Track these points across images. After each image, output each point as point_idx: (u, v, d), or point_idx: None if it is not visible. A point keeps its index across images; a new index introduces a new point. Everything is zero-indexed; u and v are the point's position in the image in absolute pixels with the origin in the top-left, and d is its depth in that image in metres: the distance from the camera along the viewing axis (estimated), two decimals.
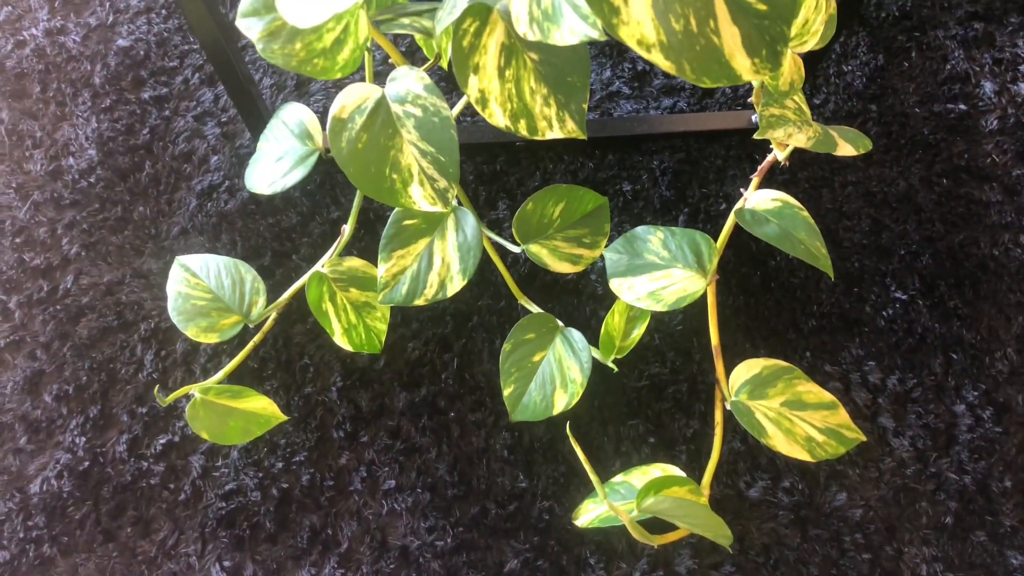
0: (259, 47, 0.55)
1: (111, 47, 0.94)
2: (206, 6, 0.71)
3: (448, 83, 0.95)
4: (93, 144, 0.90)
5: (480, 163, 0.92)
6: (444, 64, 0.69)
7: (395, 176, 0.59)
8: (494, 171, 0.91)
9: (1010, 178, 0.93)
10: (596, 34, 0.42)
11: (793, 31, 0.58)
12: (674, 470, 0.69)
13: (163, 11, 0.95)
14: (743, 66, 0.42)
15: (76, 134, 0.91)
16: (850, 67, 0.97)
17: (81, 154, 0.90)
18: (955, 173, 0.93)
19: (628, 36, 0.40)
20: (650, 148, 0.93)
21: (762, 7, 0.40)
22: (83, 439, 0.78)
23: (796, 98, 0.66)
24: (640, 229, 0.72)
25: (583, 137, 0.54)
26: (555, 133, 0.54)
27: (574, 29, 0.43)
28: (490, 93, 0.52)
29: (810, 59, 0.85)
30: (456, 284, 0.72)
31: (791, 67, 0.59)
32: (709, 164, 0.92)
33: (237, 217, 0.88)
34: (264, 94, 0.93)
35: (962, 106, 0.96)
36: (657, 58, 0.40)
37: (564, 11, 0.43)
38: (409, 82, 0.58)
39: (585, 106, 0.53)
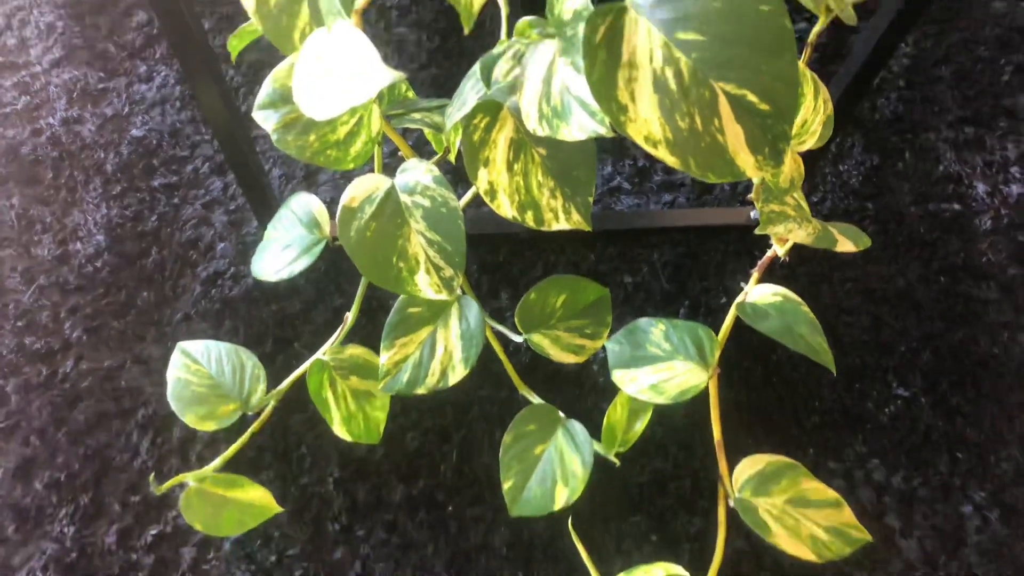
0: (274, 138, 0.57)
1: (125, 136, 0.96)
2: (221, 97, 0.73)
3: (455, 175, 0.97)
4: (102, 230, 0.91)
5: (483, 253, 0.93)
6: (452, 158, 0.71)
7: (402, 264, 0.60)
8: (497, 261, 0.92)
9: (1006, 277, 0.94)
10: (604, 130, 0.43)
11: (793, 130, 0.60)
12: (678, 570, 0.67)
13: (177, 102, 0.98)
14: (747, 163, 0.43)
15: (85, 220, 0.92)
16: (846, 166, 0.99)
17: (89, 239, 0.91)
18: (952, 271, 0.94)
19: (636, 133, 0.41)
20: (651, 241, 0.94)
21: (765, 107, 0.42)
22: (72, 528, 0.77)
23: (795, 195, 0.68)
24: (642, 321, 0.72)
25: (588, 229, 0.55)
26: (561, 225, 0.55)
27: (583, 125, 0.44)
28: (499, 185, 0.53)
29: (808, 158, 0.87)
30: (458, 373, 0.72)
31: (791, 165, 0.61)
32: (709, 258, 0.93)
33: (241, 304, 0.88)
34: (273, 183, 0.95)
35: (956, 206, 0.97)
36: (664, 154, 0.41)
37: (573, 108, 0.45)
38: (418, 174, 0.60)
39: (591, 199, 0.55)
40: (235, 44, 0.66)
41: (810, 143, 0.61)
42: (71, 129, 0.96)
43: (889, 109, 1.02)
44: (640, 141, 0.41)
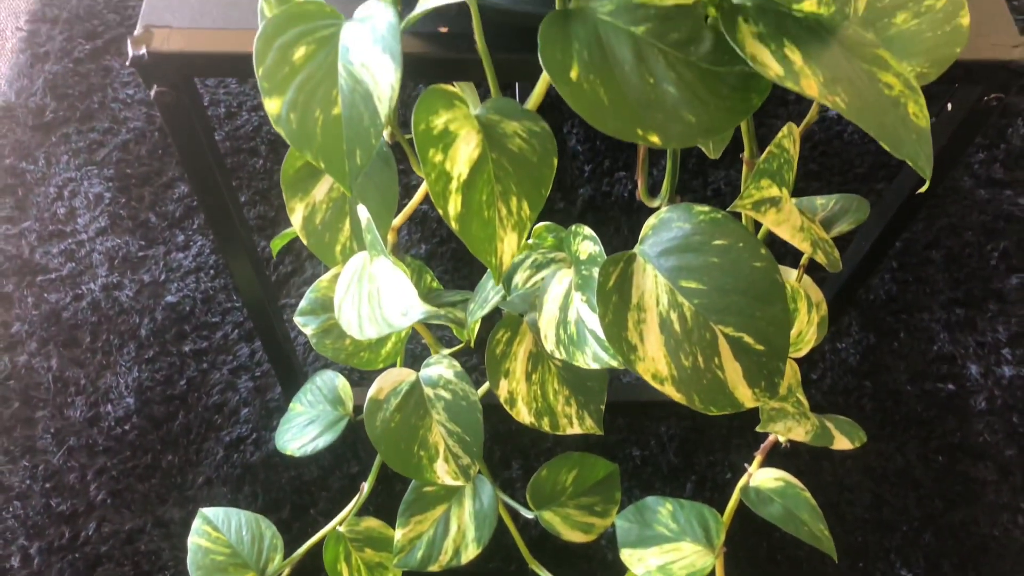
0: (313, 341, 0.62)
1: (160, 302, 1.02)
2: (253, 268, 0.79)
3: (473, 355, 1.02)
4: (132, 393, 0.96)
5: (496, 423, 0.96)
6: (472, 344, 0.76)
7: (422, 453, 0.64)
8: (509, 431, 0.96)
9: (1003, 457, 0.96)
10: (616, 364, 0.48)
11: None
12: None
13: (212, 270, 1.04)
14: (745, 396, 0.47)
15: (117, 382, 0.97)
16: (844, 345, 1.04)
17: (119, 402, 0.95)
18: (950, 451, 0.97)
19: (644, 371, 0.46)
20: (658, 414, 0.98)
21: (760, 347, 0.46)
22: None
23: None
24: (650, 500, 0.75)
25: (600, 433, 0.59)
26: (575, 429, 0.59)
27: (597, 356, 0.49)
28: (518, 394, 0.58)
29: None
30: (470, 552, 0.74)
31: (788, 373, 0.65)
32: (715, 432, 0.97)
33: (261, 469, 0.91)
34: (298, 350, 1.00)
35: (951, 386, 1.01)
36: (670, 391, 0.46)
37: (588, 340, 0.49)
38: (441, 368, 0.64)
39: (602, 407, 0.59)
40: (276, 243, 0.72)
41: (805, 350, 0.66)
42: (110, 295, 1.02)
43: (884, 290, 1.08)
44: (648, 378, 0.46)
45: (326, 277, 0.62)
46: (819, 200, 0.67)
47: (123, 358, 0.98)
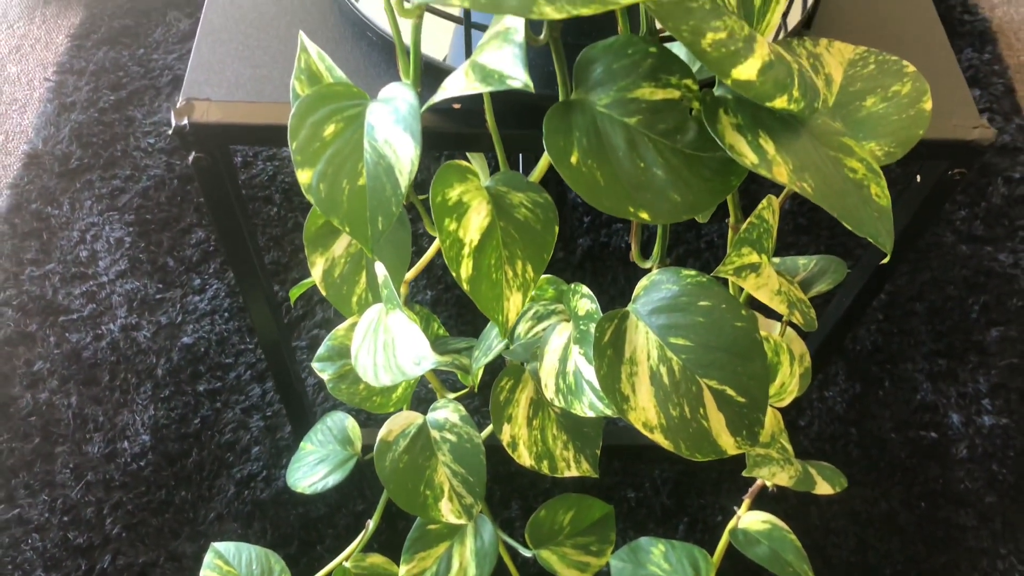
0: (329, 386, 0.66)
1: (176, 343, 1.06)
2: (270, 312, 0.83)
3: (475, 398, 1.06)
4: (148, 430, 1.00)
5: (496, 464, 1.00)
6: (476, 389, 0.80)
7: (428, 492, 0.68)
8: (509, 472, 1.00)
9: (983, 504, 1.00)
10: (611, 413, 0.53)
11: (772, 391, 0.69)
12: None
13: (226, 313, 1.09)
14: (728, 444, 0.52)
15: (134, 420, 1.01)
16: (831, 393, 1.08)
17: (136, 439, 0.99)
18: (932, 497, 1.01)
19: (635, 419, 0.50)
20: (652, 458, 1.02)
21: (741, 400, 0.51)
22: None
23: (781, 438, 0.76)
24: (644, 540, 0.79)
25: (595, 476, 0.63)
26: (572, 472, 0.63)
27: (593, 405, 0.53)
28: (520, 438, 0.62)
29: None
30: None
31: (771, 422, 0.70)
32: (706, 477, 1.01)
33: (270, 506, 0.95)
34: (308, 390, 1.04)
35: (933, 434, 1.06)
36: (659, 438, 0.50)
37: (585, 389, 0.54)
38: (447, 412, 0.69)
39: (598, 451, 0.63)
40: (294, 292, 0.77)
41: (788, 400, 0.71)
42: (129, 335, 1.07)
43: (870, 340, 1.12)
44: (639, 427, 0.50)
45: (343, 326, 0.67)
46: (801, 260, 0.72)
47: (140, 396, 1.02)
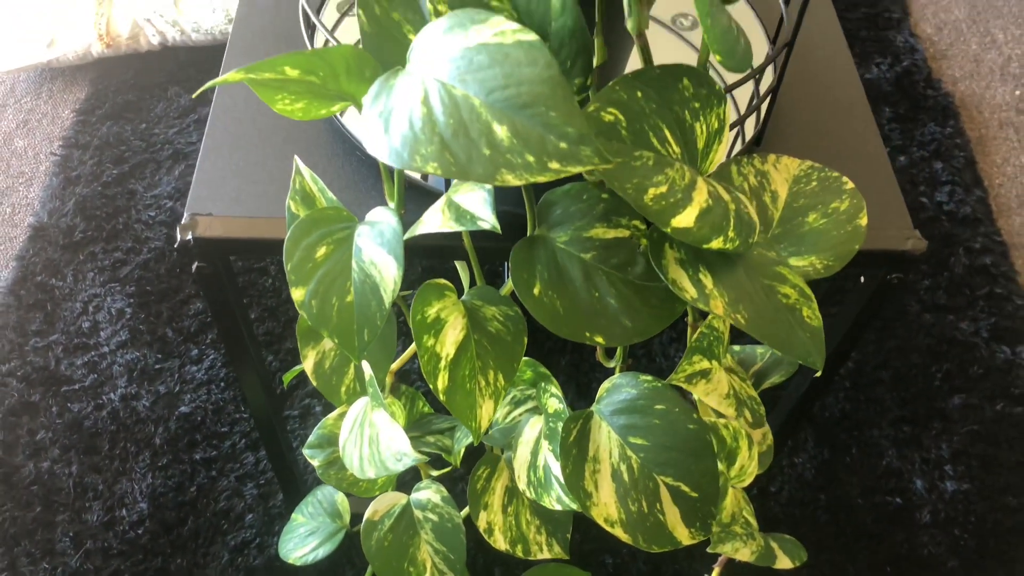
0: (319, 472, 0.71)
1: (174, 412, 1.11)
2: (262, 388, 0.88)
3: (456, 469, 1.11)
4: (146, 498, 1.04)
5: (478, 533, 1.04)
6: (458, 465, 0.85)
7: (412, 569, 0.72)
8: None
9: (945, 569, 1.05)
10: (577, 507, 0.57)
11: (732, 473, 0.74)
12: None
13: (223, 383, 1.14)
14: (683, 535, 0.56)
15: (132, 488, 1.05)
16: (800, 459, 1.13)
17: (134, 507, 1.04)
18: (897, 562, 1.05)
19: (598, 515, 0.55)
20: None
21: (695, 495, 0.56)
22: None
23: (745, 513, 0.81)
24: None
25: (566, 558, 0.68)
26: (545, 555, 0.68)
27: (560, 499, 0.58)
28: (495, 524, 0.67)
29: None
30: None
31: (732, 501, 0.75)
32: None
33: (262, 573, 0.99)
34: (299, 459, 1.09)
35: (898, 499, 1.10)
36: (619, 533, 0.55)
37: (554, 484, 0.59)
38: (430, 493, 0.73)
39: (568, 535, 0.68)
40: (288, 377, 0.82)
41: (749, 480, 0.76)
42: (129, 405, 1.11)
43: (837, 408, 1.18)
44: (600, 521, 0.55)
45: (333, 415, 0.72)
46: (759, 350, 0.77)
47: (138, 465, 1.07)
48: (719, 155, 0.54)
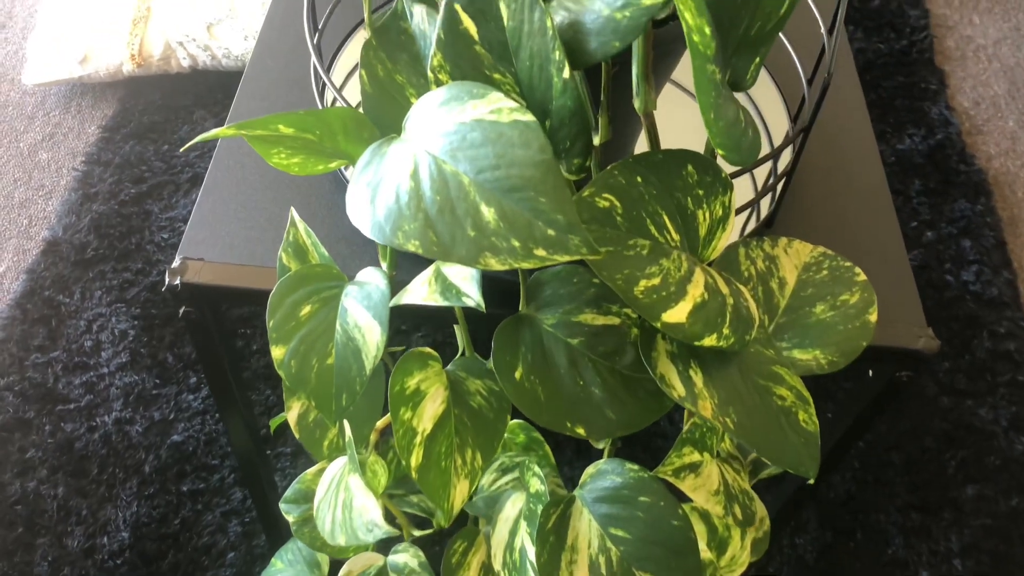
0: (293, 528, 0.69)
1: (167, 440, 1.10)
2: (245, 425, 0.86)
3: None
4: (129, 527, 1.02)
5: None
6: (445, 525, 0.82)
7: None
8: None
9: None
10: None
11: (722, 563, 0.71)
12: None
13: (216, 414, 1.12)
14: None
15: (116, 515, 1.03)
16: (802, 540, 1.09)
17: (115, 535, 1.02)
18: None
19: None
20: None
21: None
22: None
23: None
24: None
25: None
26: None
27: None
28: None
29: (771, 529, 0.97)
30: None
31: None
32: None
33: None
34: None
35: None
36: None
37: (528, 570, 0.56)
38: (407, 557, 0.71)
39: None
40: (274, 423, 0.80)
41: (740, 571, 0.72)
42: (122, 429, 1.10)
43: (844, 488, 1.14)
44: None
45: (312, 470, 0.70)
46: None
47: (125, 492, 1.05)
48: (723, 242, 0.52)
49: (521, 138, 0.41)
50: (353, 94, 0.75)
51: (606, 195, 0.44)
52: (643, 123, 0.50)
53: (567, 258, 0.39)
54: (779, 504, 0.91)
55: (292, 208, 0.58)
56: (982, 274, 1.34)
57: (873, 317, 0.59)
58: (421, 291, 0.49)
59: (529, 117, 0.41)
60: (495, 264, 0.40)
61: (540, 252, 0.40)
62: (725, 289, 0.48)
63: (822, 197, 0.69)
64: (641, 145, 0.70)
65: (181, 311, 0.61)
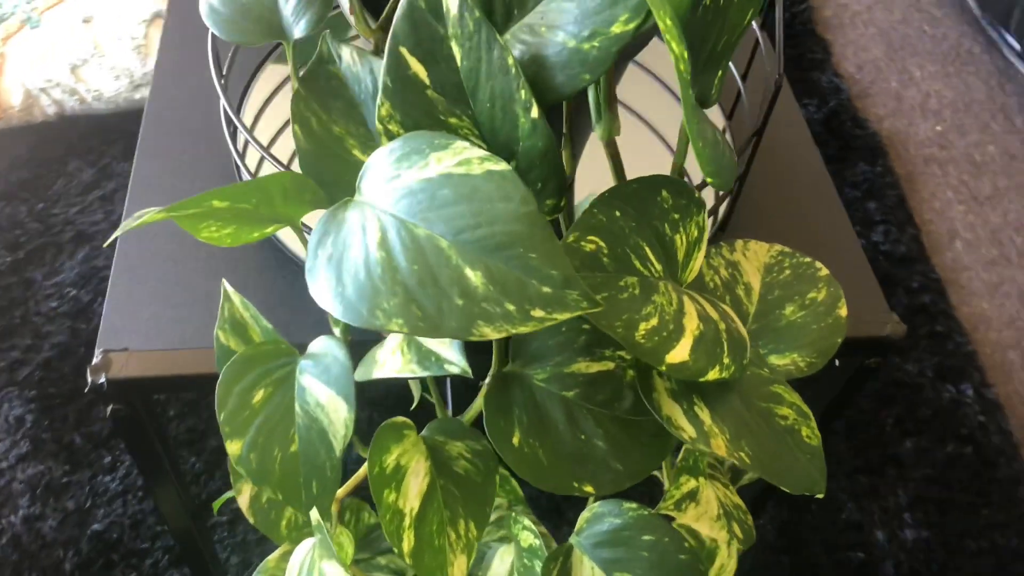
0: None
1: (86, 531, 1.00)
2: (177, 493, 0.79)
3: None
4: None
5: None
6: None
7: None
8: None
9: None
10: None
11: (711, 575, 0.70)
12: None
13: (140, 492, 1.03)
14: None
15: None
16: (761, 521, 1.09)
17: None
18: None
19: None
20: None
21: None
22: None
23: None
24: None
25: None
26: None
27: None
28: None
29: None
30: None
31: None
32: None
33: None
34: (233, 570, 0.99)
35: (860, 554, 1.08)
36: None
37: None
38: None
39: None
40: (217, 504, 0.73)
41: None
42: (32, 527, 1.00)
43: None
44: None
45: (274, 556, 0.64)
46: None
47: None
48: (698, 263, 0.49)
49: (499, 191, 0.37)
50: (265, 135, 0.69)
51: (591, 237, 0.41)
52: (606, 151, 0.47)
53: (567, 315, 0.36)
54: (752, 497, 0.91)
55: (223, 280, 0.52)
56: (890, 233, 1.38)
57: (843, 312, 0.58)
58: (393, 362, 0.44)
59: (503, 166, 0.38)
60: (491, 333, 0.36)
61: (538, 313, 0.36)
62: (715, 314, 0.45)
63: (766, 193, 0.68)
64: (593, 171, 0.66)
65: (108, 410, 0.55)
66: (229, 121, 0.62)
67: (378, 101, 0.42)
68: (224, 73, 0.61)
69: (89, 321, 1.18)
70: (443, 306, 0.36)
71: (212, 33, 0.59)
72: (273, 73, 0.72)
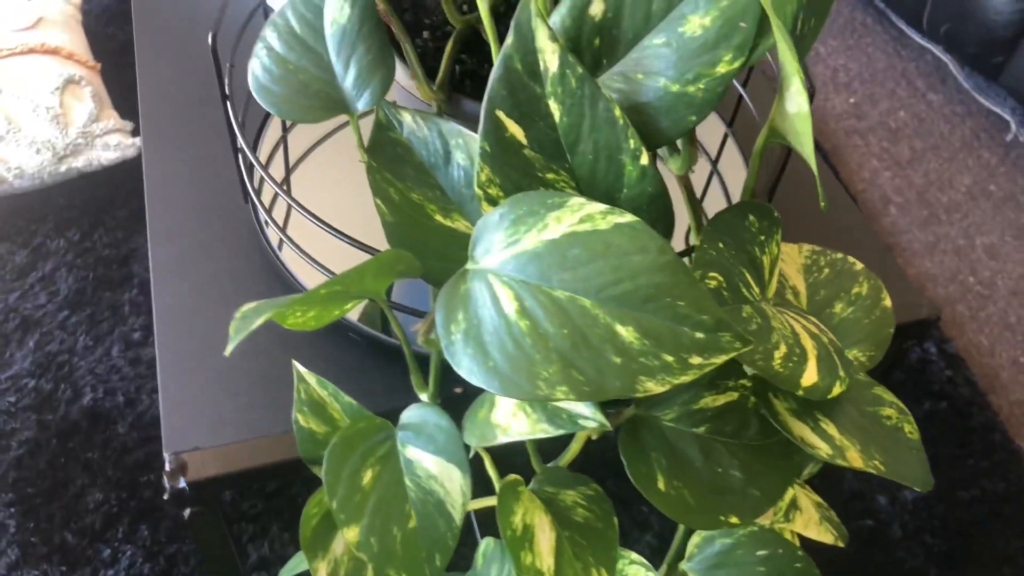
0: None
1: None
2: None
3: None
4: None
5: None
6: None
7: None
8: None
9: None
10: None
11: None
12: None
13: None
14: None
15: None
16: None
17: None
18: None
19: None
20: None
21: None
22: None
23: None
24: None
25: None
26: None
27: None
28: None
29: None
30: None
31: None
32: None
33: None
34: None
35: (869, 521, 1.12)
36: None
37: None
38: None
39: None
40: None
41: None
42: None
43: None
44: None
45: None
46: None
47: None
48: (776, 278, 0.51)
49: (632, 243, 0.37)
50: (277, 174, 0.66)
51: (712, 273, 0.41)
52: (679, 184, 0.48)
53: (724, 358, 0.36)
54: None
55: (295, 362, 0.50)
56: None
57: (888, 302, 0.60)
58: (518, 425, 0.43)
59: (629, 217, 0.38)
60: (654, 387, 0.36)
61: (696, 360, 0.36)
62: (814, 329, 0.46)
63: (780, 192, 0.70)
64: None
65: (187, 514, 0.52)
66: (246, 192, 0.60)
67: (476, 167, 0.41)
68: (239, 146, 0.59)
69: (55, 411, 1.11)
70: (602, 367, 0.36)
71: (228, 104, 0.57)
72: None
